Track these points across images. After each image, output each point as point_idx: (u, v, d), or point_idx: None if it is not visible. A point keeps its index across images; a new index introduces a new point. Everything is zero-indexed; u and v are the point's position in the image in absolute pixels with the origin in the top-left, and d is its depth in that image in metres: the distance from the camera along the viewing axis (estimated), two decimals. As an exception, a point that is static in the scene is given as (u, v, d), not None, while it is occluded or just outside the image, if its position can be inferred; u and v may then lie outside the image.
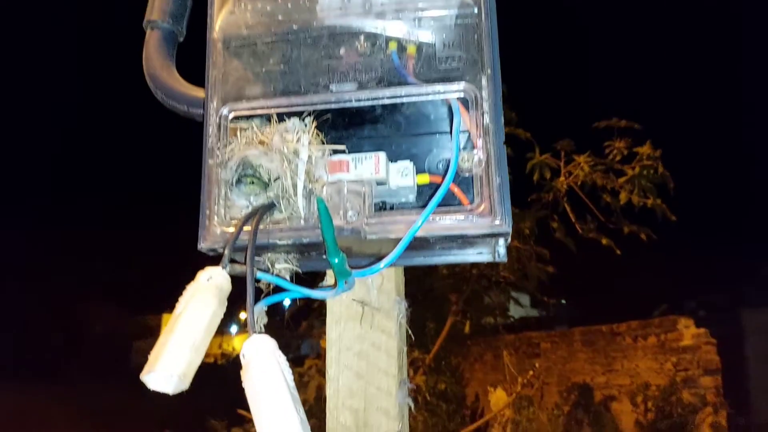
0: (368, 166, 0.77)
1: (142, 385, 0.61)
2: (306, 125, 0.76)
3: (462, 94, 0.74)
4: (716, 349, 6.67)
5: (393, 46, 0.82)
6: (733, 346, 7.51)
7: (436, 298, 4.10)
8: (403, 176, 0.80)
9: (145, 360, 0.61)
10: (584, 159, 3.61)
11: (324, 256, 0.84)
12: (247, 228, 0.72)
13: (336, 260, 0.66)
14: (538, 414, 6.18)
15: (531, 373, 4.85)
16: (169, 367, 0.59)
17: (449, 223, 0.71)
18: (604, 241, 3.62)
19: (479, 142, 0.73)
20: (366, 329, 0.87)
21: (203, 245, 0.74)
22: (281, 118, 0.78)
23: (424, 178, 0.82)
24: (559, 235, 3.58)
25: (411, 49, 0.82)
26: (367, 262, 0.88)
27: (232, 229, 0.73)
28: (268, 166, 0.74)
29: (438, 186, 0.72)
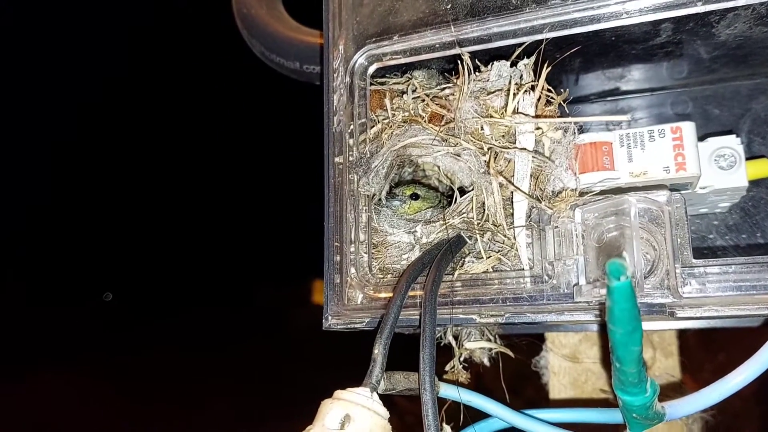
0: (659, 152, 0.36)
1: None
2: (526, 71, 0.37)
3: None
4: None
5: None
6: None
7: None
8: (722, 166, 0.38)
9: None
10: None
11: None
12: (414, 293, 0.35)
13: (643, 398, 0.27)
14: None
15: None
16: None
17: None
18: None
19: None
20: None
21: (332, 321, 0.39)
22: (473, 63, 0.40)
23: (763, 167, 0.40)
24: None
25: None
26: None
27: (385, 295, 0.38)
28: (450, 167, 0.37)
29: None
